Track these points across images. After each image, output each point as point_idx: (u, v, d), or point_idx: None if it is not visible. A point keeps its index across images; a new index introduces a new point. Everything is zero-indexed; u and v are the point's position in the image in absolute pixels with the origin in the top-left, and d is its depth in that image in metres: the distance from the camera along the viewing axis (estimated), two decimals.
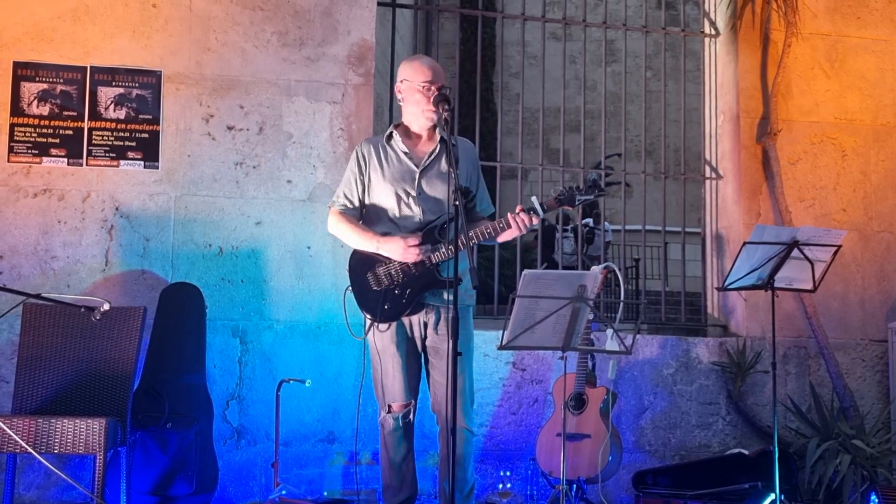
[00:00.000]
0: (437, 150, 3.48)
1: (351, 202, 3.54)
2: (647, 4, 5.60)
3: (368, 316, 3.43)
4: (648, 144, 5.71)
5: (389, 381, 3.44)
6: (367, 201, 3.53)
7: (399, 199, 3.45)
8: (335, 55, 4.49)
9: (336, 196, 3.60)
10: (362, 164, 3.53)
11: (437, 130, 3.50)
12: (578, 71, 5.54)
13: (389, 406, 3.47)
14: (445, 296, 3.34)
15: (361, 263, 3.44)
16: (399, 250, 3.34)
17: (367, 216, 3.54)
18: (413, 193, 3.44)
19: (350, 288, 3.48)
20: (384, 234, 3.42)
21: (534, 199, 3.37)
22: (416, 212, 3.43)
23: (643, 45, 5.39)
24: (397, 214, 3.44)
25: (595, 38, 6.04)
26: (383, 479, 3.55)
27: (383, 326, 3.41)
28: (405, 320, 3.43)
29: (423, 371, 3.53)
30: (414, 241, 3.33)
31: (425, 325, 3.44)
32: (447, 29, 11.87)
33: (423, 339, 3.46)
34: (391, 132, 3.55)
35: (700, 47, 5.41)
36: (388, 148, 3.53)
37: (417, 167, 3.46)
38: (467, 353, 3.44)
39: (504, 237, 3.45)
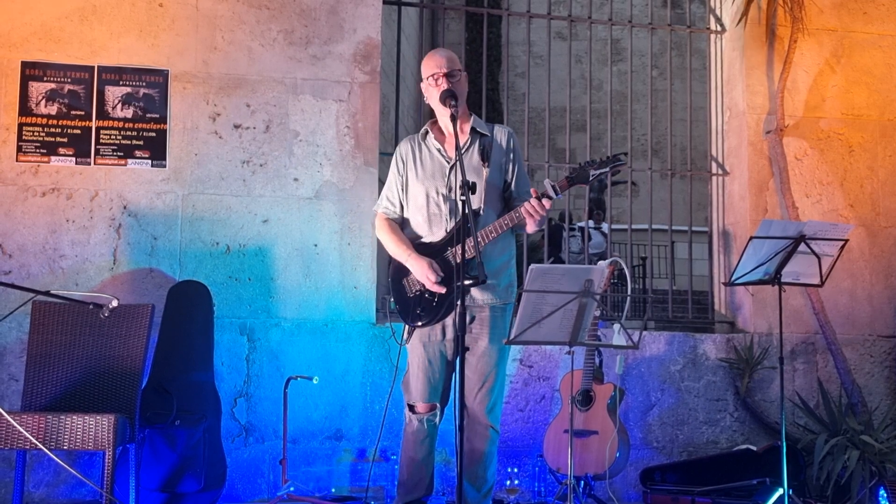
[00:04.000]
0: (468, 143, 3.44)
1: (393, 204, 3.55)
2: (653, 3, 5.61)
3: (405, 321, 3.44)
4: (655, 143, 5.71)
5: (413, 381, 3.45)
6: (406, 203, 3.53)
7: (429, 197, 3.43)
8: (341, 53, 4.51)
9: (381, 198, 3.61)
10: (400, 164, 3.53)
11: (471, 121, 3.46)
12: (584, 70, 5.53)
13: (413, 406, 3.45)
14: (479, 295, 3.35)
15: (398, 271, 3.46)
16: (420, 272, 3.34)
17: (406, 218, 3.53)
18: (443, 190, 3.42)
19: (391, 296, 3.50)
20: (421, 240, 3.43)
21: (546, 182, 3.29)
22: (444, 210, 3.41)
23: (649, 43, 5.39)
24: (427, 214, 3.43)
25: (601, 38, 6.05)
26: (400, 475, 3.55)
27: (405, 337, 3.43)
28: (438, 322, 3.41)
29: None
30: (434, 276, 3.31)
31: None
32: (453, 29, 11.89)
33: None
34: (426, 129, 3.54)
35: (706, 45, 5.41)
36: (423, 145, 3.52)
37: (448, 163, 3.44)
38: (502, 354, 3.44)
39: (529, 227, 3.37)
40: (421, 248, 3.41)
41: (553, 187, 3.28)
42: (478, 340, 3.36)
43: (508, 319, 3.48)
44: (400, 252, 3.43)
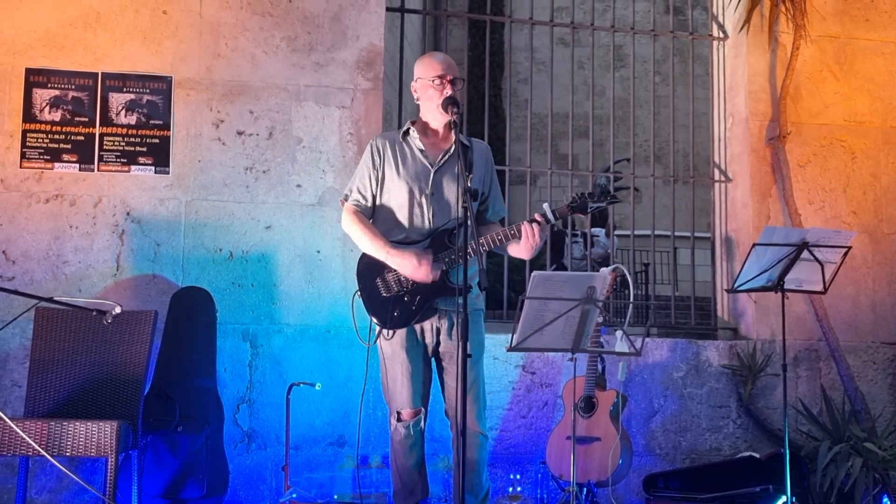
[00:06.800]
0: (452, 150, 3.40)
1: (364, 197, 3.49)
2: (655, 9, 5.62)
3: (377, 322, 3.39)
4: (657, 149, 5.72)
5: (398, 388, 3.42)
6: (379, 198, 3.48)
7: (412, 197, 3.41)
8: (344, 60, 4.52)
9: (348, 190, 3.54)
10: (377, 158, 3.48)
11: (453, 130, 3.45)
12: (587, 76, 5.54)
13: (399, 414, 3.43)
14: (458, 301, 3.33)
15: (370, 268, 3.41)
16: (409, 268, 3.31)
17: (378, 213, 3.49)
18: (427, 192, 3.40)
19: (358, 293, 3.46)
20: (395, 238, 3.39)
21: (546, 206, 3.33)
22: (426, 212, 3.39)
23: (651, 49, 5.39)
24: (408, 213, 3.41)
25: (603, 44, 6.05)
26: (394, 484, 3.54)
27: (389, 333, 3.38)
28: (416, 326, 3.40)
29: (436, 377, 3.51)
30: (426, 262, 3.29)
31: (438, 330, 3.41)
32: (455, 35, 11.91)
33: (436, 345, 3.43)
34: (408, 128, 3.51)
35: (708, 51, 5.42)
36: (404, 144, 3.49)
37: (432, 166, 3.43)
38: (479, 358, 3.43)
39: (515, 251, 3.39)
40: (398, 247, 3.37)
41: (553, 212, 3.32)
42: (458, 346, 3.34)
43: (482, 324, 3.51)
44: (376, 247, 3.37)
